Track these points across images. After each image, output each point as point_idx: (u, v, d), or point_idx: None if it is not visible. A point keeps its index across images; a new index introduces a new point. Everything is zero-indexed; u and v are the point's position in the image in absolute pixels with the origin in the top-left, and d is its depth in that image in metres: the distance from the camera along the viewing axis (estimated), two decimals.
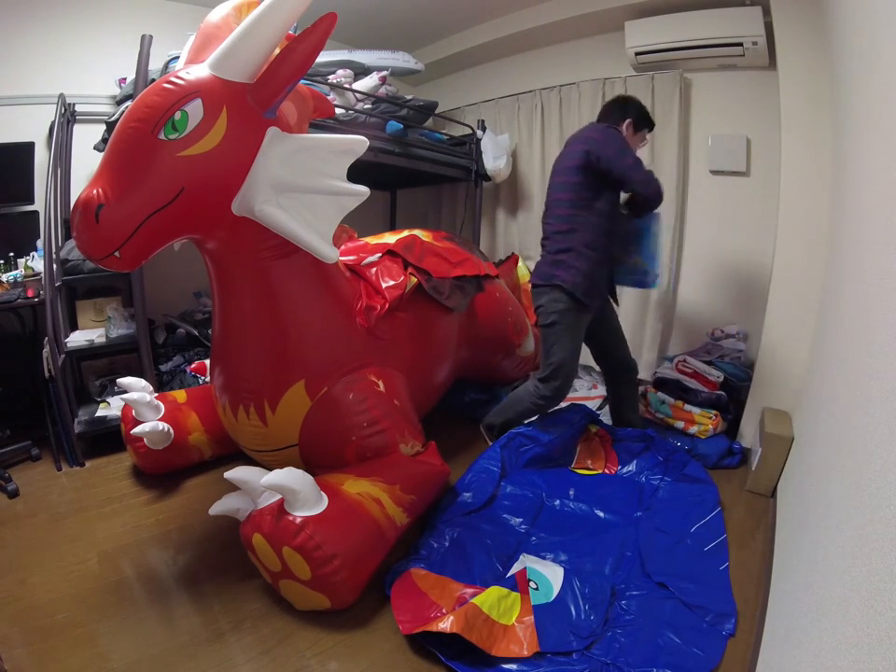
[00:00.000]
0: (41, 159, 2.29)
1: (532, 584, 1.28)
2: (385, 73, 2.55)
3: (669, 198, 2.61)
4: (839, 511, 0.80)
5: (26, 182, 2.25)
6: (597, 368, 2.17)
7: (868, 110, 1.12)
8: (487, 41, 3.19)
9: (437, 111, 2.85)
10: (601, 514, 1.64)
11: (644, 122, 1.86)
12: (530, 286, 1.93)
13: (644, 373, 2.63)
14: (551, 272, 1.80)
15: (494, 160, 3.01)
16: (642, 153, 2.67)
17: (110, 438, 2.01)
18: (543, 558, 1.42)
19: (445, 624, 1.06)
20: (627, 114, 1.81)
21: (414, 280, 1.79)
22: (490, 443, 1.99)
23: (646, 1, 2.46)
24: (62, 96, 2.25)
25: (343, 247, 1.92)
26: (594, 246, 1.78)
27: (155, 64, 1.86)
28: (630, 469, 1.86)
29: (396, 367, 1.72)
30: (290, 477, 1.19)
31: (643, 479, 1.80)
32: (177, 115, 1.12)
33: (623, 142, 1.73)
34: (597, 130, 1.76)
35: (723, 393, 2.20)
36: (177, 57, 1.53)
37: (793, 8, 1.98)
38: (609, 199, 1.78)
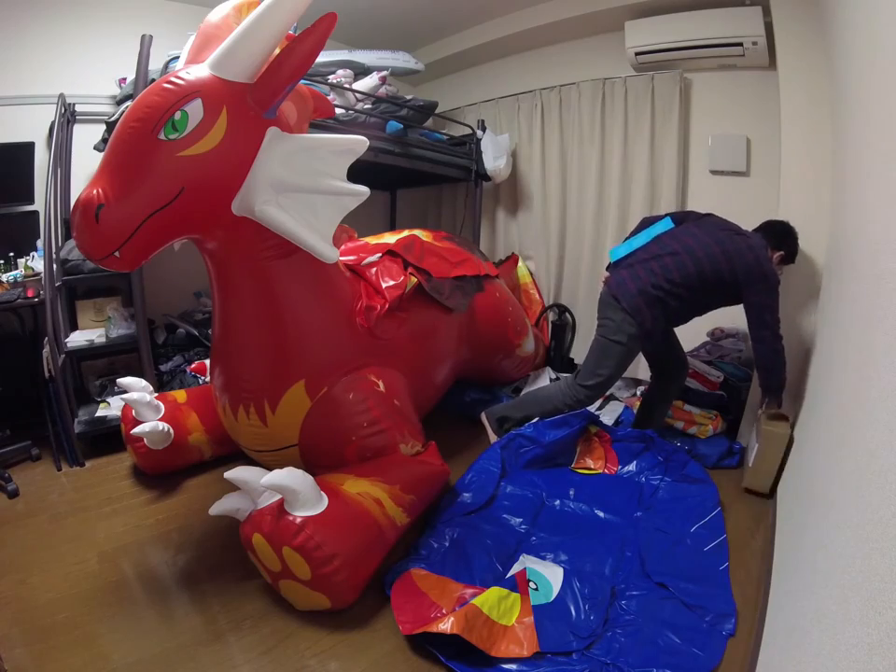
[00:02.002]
0: (41, 159, 2.29)
1: (532, 585, 1.28)
2: (385, 73, 2.55)
3: (669, 198, 2.62)
4: (839, 511, 0.79)
5: (26, 182, 2.25)
6: None
7: (868, 110, 1.12)
8: (487, 41, 3.19)
9: (437, 111, 2.86)
10: (601, 514, 1.64)
11: (789, 260, 1.87)
12: (605, 294, 1.89)
13: (643, 373, 2.63)
14: (639, 304, 1.77)
15: (494, 160, 3.01)
16: (643, 152, 2.69)
17: (110, 438, 2.00)
18: (543, 558, 1.42)
19: (446, 625, 1.06)
20: (783, 247, 1.82)
21: (414, 280, 1.79)
22: (497, 436, 1.99)
23: (646, 1, 2.46)
24: (62, 96, 2.25)
25: (342, 247, 1.92)
26: (680, 313, 1.83)
27: (155, 64, 1.86)
28: (630, 468, 1.86)
29: (396, 367, 1.72)
30: (290, 477, 1.19)
31: (643, 479, 1.80)
32: (177, 115, 1.12)
33: (777, 287, 1.70)
34: (768, 261, 1.71)
35: (723, 393, 2.20)
36: (177, 57, 1.53)
37: (793, 8, 1.98)
38: (722, 297, 1.79)
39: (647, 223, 1.98)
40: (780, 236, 1.84)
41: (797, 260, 1.99)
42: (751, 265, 1.67)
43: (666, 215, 1.97)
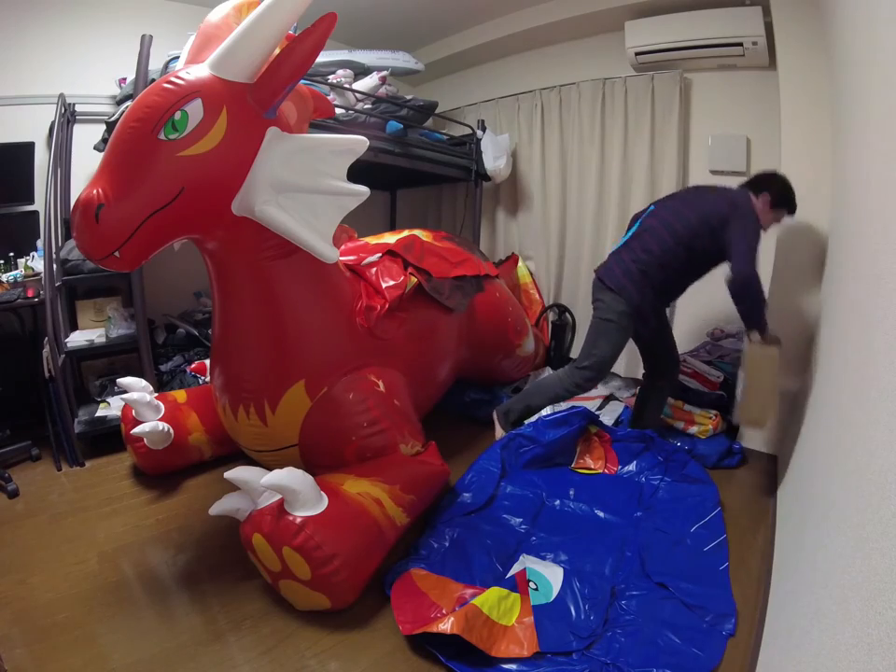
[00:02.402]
0: (41, 159, 2.29)
1: (532, 585, 1.28)
2: (385, 73, 2.55)
3: None
4: (839, 511, 0.79)
5: (26, 182, 2.26)
6: None
7: (868, 110, 1.12)
8: (487, 41, 3.20)
9: (437, 111, 2.86)
10: (601, 514, 1.64)
11: (782, 202, 1.81)
12: (595, 280, 1.94)
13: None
14: (624, 282, 1.81)
15: (494, 160, 3.01)
16: (643, 152, 2.69)
17: (110, 438, 2.00)
18: (543, 558, 1.42)
19: (446, 625, 1.06)
20: (767, 188, 1.79)
21: (414, 280, 1.79)
22: (504, 431, 2.00)
23: (646, 1, 2.46)
24: (62, 96, 2.25)
25: (342, 247, 1.92)
26: (668, 284, 1.83)
27: (155, 64, 1.86)
28: (630, 468, 1.86)
29: (396, 367, 1.72)
30: (290, 477, 1.19)
31: (643, 479, 1.80)
32: (177, 115, 1.12)
33: (757, 228, 1.69)
34: (746, 202, 1.73)
35: (723, 393, 2.20)
36: (177, 57, 1.53)
37: (793, 8, 1.98)
38: (710, 257, 1.78)
39: (635, 218, 2.01)
40: (764, 181, 1.82)
41: (797, 261, 1.99)
42: (723, 209, 1.70)
43: (651, 204, 1.99)
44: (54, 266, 1.97)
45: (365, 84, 2.49)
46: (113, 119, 1.98)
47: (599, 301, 1.89)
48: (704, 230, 1.72)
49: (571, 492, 1.75)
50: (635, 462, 1.87)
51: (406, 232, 2.10)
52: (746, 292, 1.67)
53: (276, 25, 1.15)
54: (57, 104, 2.23)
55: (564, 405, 2.10)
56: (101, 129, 2.24)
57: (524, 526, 1.57)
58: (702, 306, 2.61)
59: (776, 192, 1.80)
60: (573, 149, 3.00)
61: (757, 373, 1.62)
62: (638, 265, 1.80)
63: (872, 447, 0.67)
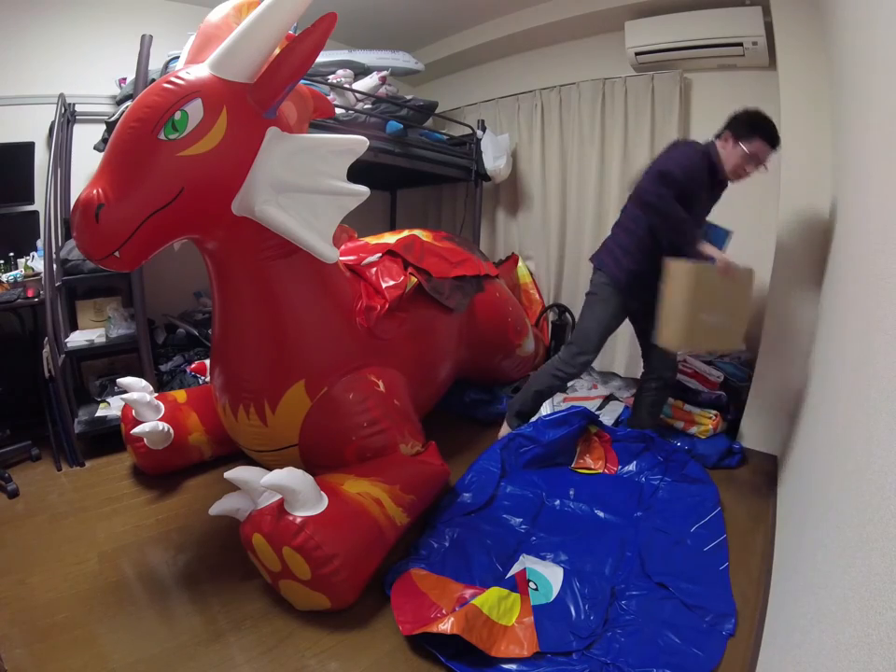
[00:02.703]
0: (41, 159, 2.29)
1: (532, 585, 1.28)
2: (385, 73, 2.55)
3: None
4: (839, 511, 0.79)
5: (26, 182, 2.26)
6: (597, 368, 2.16)
7: (868, 110, 1.12)
8: (487, 41, 3.19)
9: (437, 111, 2.86)
10: (601, 514, 1.64)
11: (746, 131, 1.65)
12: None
13: None
14: (603, 257, 1.94)
15: (494, 160, 3.01)
16: (643, 152, 2.68)
17: (110, 438, 2.01)
18: (543, 558, 1.42)
19: (446, 626, 1.06)
20: (730, 128, 1.71)
21: (414, 280, 1.79)
22: (511, 428, 2.01)
23: (646, 1, 2.46)
24: (62, 96, 2.25)
25: (342, 247, 1.92)
26: (643, 251, 1.83)
27: (155, 64, 1.86)
28: (630, 468, 1.86)
29: (396, 367, 1.72)
30: (290, 477, 1.19)
31: (643, 479, 1.80)
32: (177, 115, 1.12)
33: (680, 157, 1.68)
34: (690, 144, 1.78)
35: (723, 393, 2.20)
36: (177, 57, 1.53)
37: (793, 8, 1.98)
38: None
39: None
40: (725, 125, 1.77)
41: (796, 261, 1.99)
42: (662, 155, 1.76)
43: None
44: (54, 266, 1.97)
45: (365, 84, 2.49)
46: (113, 118, 1.98)
47: (591, 282, 1.98)
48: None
49: (571, 492, 1.75)
50: (635, 462, 1.87)
51: (406, 232, 2.10)
52: (650, 211, 1.69)
53: (276, 25, 1.15)
54: (57, 104, 2.23)
55: (564, 405, 2.10)
56: (101, 129, 2.24)
57: (524, 526, 1.57)
58: None
59: (736, 124, 1.71)
60: (573, 149, 3.00)
61: (673, 290, 1.54)
62: (614, 239, 1.92)
63: (872, 447, 0.67)
